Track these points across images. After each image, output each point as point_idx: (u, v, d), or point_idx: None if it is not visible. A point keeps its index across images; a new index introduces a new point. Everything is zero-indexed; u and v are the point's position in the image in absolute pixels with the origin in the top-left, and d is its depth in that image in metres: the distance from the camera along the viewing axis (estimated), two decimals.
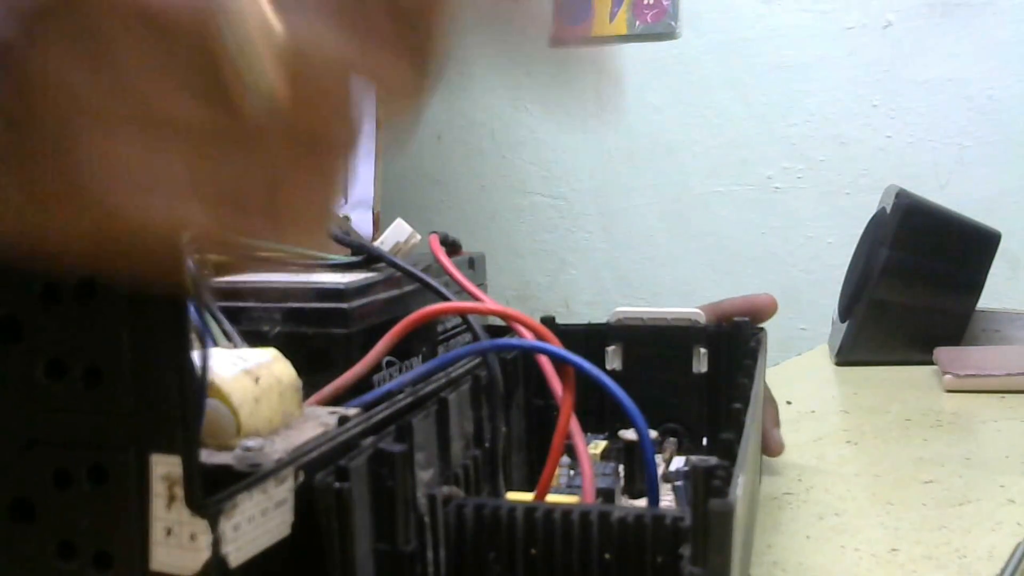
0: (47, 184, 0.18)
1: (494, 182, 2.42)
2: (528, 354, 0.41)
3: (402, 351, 0.37)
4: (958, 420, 0.74)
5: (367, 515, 0.26)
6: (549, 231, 2.38)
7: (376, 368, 0.34)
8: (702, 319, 0.50)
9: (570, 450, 0.35)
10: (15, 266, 0.19)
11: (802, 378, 0.94)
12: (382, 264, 0.40)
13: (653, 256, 2.26)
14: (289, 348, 0.29)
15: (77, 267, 0.20)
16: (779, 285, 2.09)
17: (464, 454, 0.34)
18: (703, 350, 0.50)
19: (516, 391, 0.42)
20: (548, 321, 0.46)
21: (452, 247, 0.46)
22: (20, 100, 0.18)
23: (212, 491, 0.21)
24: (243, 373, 0.26)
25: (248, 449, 0.24)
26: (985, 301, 1.00)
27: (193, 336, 0.22)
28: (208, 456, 0.24)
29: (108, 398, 0.21)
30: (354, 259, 0.41)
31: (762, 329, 0.51)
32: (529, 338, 0.34)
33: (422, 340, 0.41)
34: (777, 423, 0.59)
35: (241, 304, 0.35)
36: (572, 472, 0.44)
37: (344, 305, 0.35)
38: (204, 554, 0.20)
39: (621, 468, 0.44)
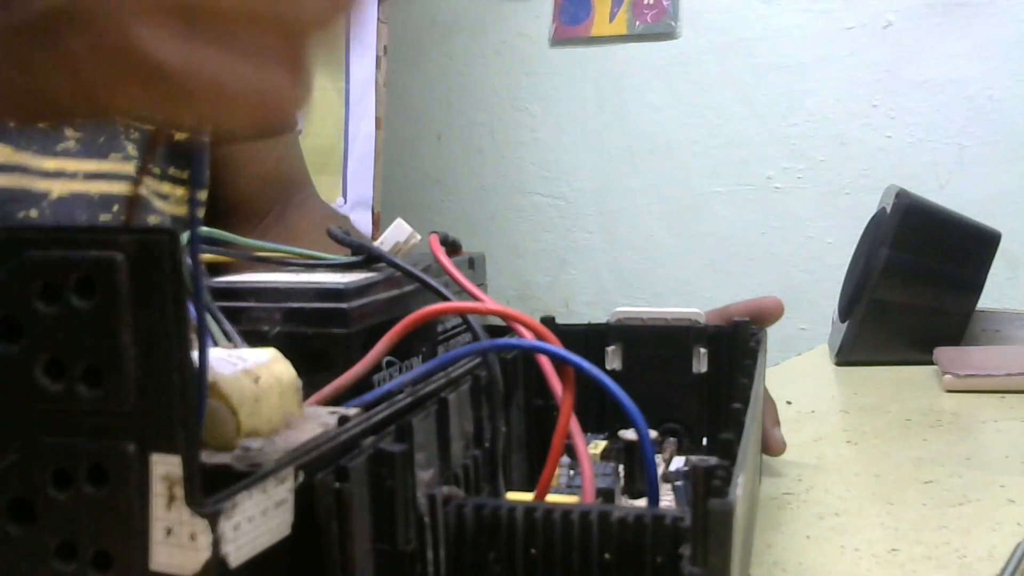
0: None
1: (494, 182, 2.42)
2: (528, 354, 0.41)
3: (402, 351, 0.37)
4: (958, 420, 0.74)
5: (367, 515, 0.26)
6: (549, 231, 2.38)
7: (376, 368, 0.34)
8: (702, 319, 0.50)
9: (570, 450, 0.35)
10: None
11: (802, 378, 0.94)
12: (382, 264, 0.40)
13: (653, 256, 2.26)
14: (289, 348, 0.29)
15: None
16: (779, 285, 2.09)
17: (464, 454, 0.34)
18: (703, 350, 0.50)
19: (516, 391, 0.42)
20: (548, 321, 0.46)
21: (452, 247, 0.45)
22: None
23: (212, 491, 0.21)
24: (243, 373, 0.26)
25: (248, 449, 0.24)
26: (985, 301, 1.00)
27: (193, 336, 0.22)
28: (208, 456, 0.24)
29: (108, 398, 0.21)
30: (354, 259, 0.41)
31: (762, 329, 0.51)
32: (529, 338, 0.34)
33: (422, 340, 0.41)
34: (777, 422, 0.60)
35: (241, 304, 0.35)
36: (572, 472, 0.44)
37: (344, 305, 0.35)
38: (204, 554, 0.20)
39: (621, 468, 0.44)
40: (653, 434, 0.47)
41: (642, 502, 0.42)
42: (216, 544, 0.20)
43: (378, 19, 1.90)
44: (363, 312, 0.36)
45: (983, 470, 0.60)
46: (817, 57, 2.06)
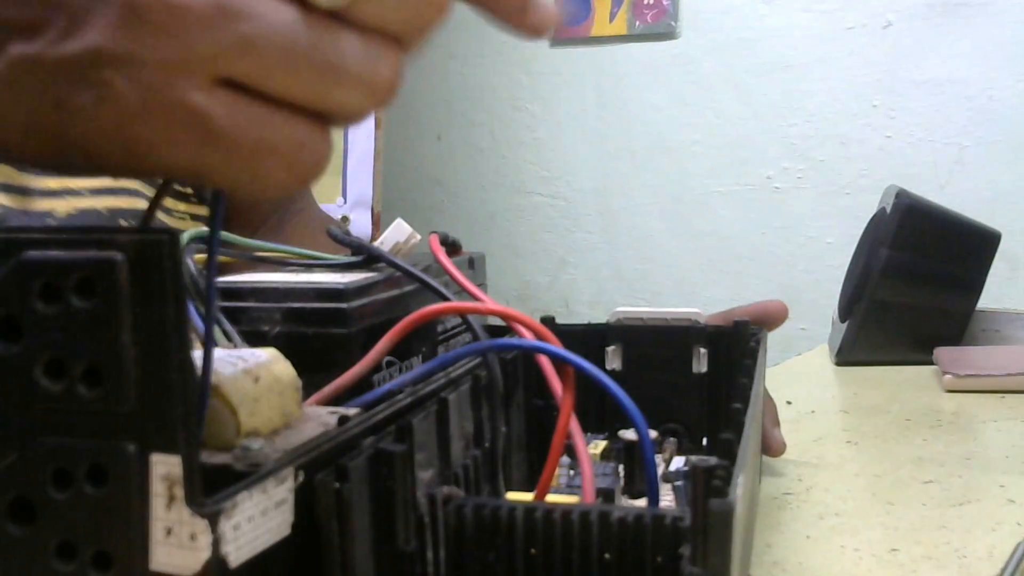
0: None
1: (494, 182, 2.42)
2: (528, 354, 0.41)
3: (402, 351, 0.37)
4: (958, 420, 0.74)
5: (367, 515, 0.26)
6: (549, 231, 2.38)
7: (376, 368, 0.34)
8: (702, 319, 0.50)
9: (570, 450, 0.35)
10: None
11: (802, 378, 0.94)
12: (382, 264, 0.40)
13: (653, 256, 2.26)
14: (289, 348, 0.29)
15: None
16: (779, 285, 2.09)
17: (464, 454, 0.34)
18: (703, 350, 0.50)
19: (516, 391, 0.42)
20: (548, 321, 0.46)
21: (452, 247, 0.45)
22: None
23: (212, 491, 0.21)
24: (243, 373, 0.26)
25: (248, 449, 0.24)
26: (985, 301, 1.00)
27: (193, 336, 0.22)
28: (208, 456, 0.24)
29: (108, 398, 0.21)
30: (354, 259, 0.41)
31: (762, 329, 0.51)
32: (529, 338, 0.34)
33: (422, 340, 0.41)
34: (777, 423, 0.60)
35: (241, 304, 0.35)
36: (572, 472, 0.44)
37: (344, 305, 0.35)
38: (204, 554, 0.20)
39: (621, 468, 0.44)
40: (653, 434, 0.47)
41: (642, 502, 0.42)
42: (216, 544, 0.20)
43: None
44: (363, 312, 0.36)
45: (983, 470, 0.60)
46: (817, 57, 2.06)
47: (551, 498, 0.33)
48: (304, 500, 0.24)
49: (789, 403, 0.78)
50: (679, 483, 0.44)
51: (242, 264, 0.42)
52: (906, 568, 0.45)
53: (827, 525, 0.51)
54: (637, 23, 2.21)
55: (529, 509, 0.28)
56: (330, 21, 0.24)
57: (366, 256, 0.40)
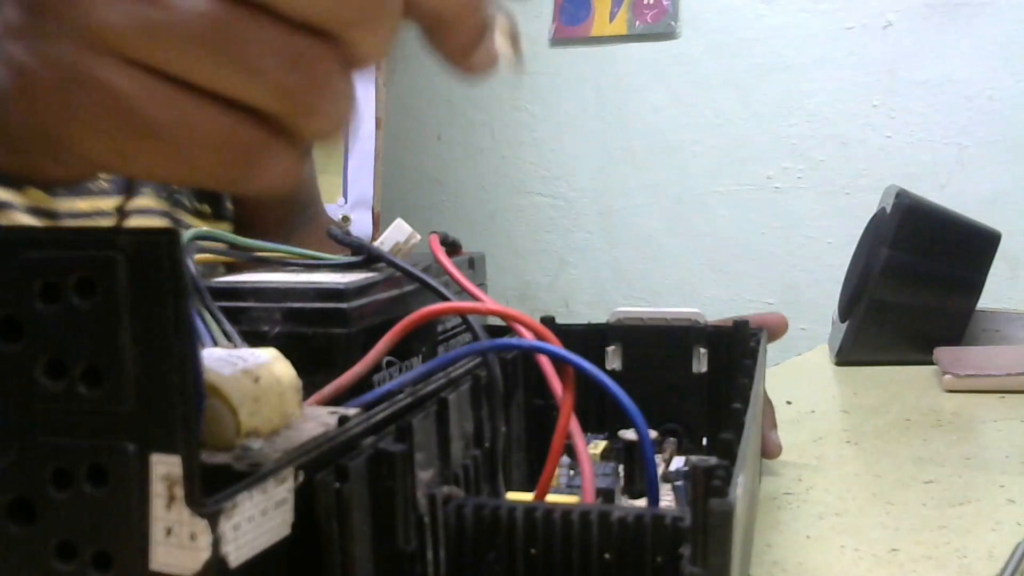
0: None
1: (494, 182, 2.42)
2: (528, 354, 0.41)
3: (402, 351, 0.37)
4: (958, 420, 0.74)
5: (367, 515, 0.26)
6: (549, 231, 2.38)
7: (376, 368, 0.34)
8: (702, 319, 0.50)
9: (570, 450, 0.35)
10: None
11: (802, 378, 0.94)
12: (382, 264, 0.40)
13: (653, 256, 2.26)
14: (289, 348, 0.29)
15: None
16: (779, 285, 2.09)
17: (464, 454, 0.34)
18: (703, 350, 0.50)
19: (516, 391, 0.42)
20: (548, 321, 0.46)
21: (452, 247, 0.45)
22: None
23: (212, 491, 0.21)
24: (243, 373, 0.26)
25: (248, 449, 0.24)
26: (985, 301, 1.00)
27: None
28: (208, 456, 0.24)
29: (108, 398, 0.21)
30: (354, 259, 0.41)
31: (762, 329, 0.51)
32: (529, 338, 0.34)
33: (422, 340, 0.41)
34: (774, 425, 0.60)
35: (241, 304, 0.35)
36: (572, 472, 0.44)
37: (344, 305, 0.35)
38: (204, 554, 0.20)
39: (621, 468, 0.44)
40: (653, 434, 0.47)
41: (642, 502, 0.42)
42: (216, 544, 0.20)
43: None
44: (363, 312, 0.36)
45: (983, 470, 0.60)
46: (817, 57, 2.06)
47: (551, 498, 0.33)
48: (304, 500, 0.24)
49: (789, 403, 0.78)
50: (679, 483, 0.44)
51: (242, 264, 0.42)
52: (906, 568, 0.45)
53: (827, 525, 0.51)
54: (637, 23, 2.21)
55: (529, 509, 0.28)
56: (251, 10, 0.23)
57: (366, 256, 0.40)
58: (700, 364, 0.50)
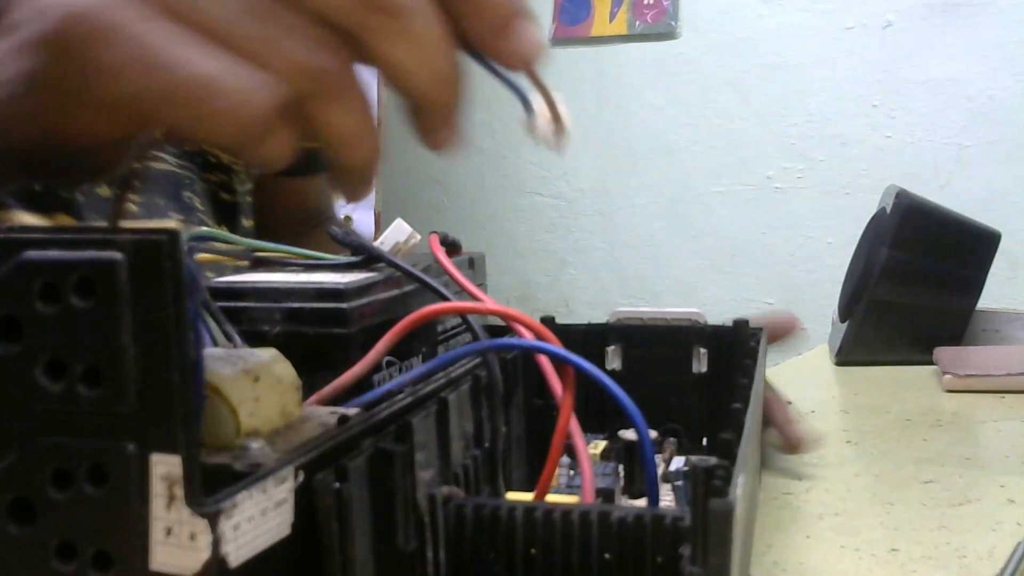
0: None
1: (494, 182, 2.42)
2: (528, 354, 0.41)
3: (402, 351, 0.37)
4: (958, 420, 0.74)
5: (367, 515, 0.26)
6: (549, 231, 2.38)
7: (376, 368, 0.34)
8: (702, 319, 0.50)
9: (570, 450, 0.35)
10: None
11: (802, 378, 0.94)
12: (382, 264, 0.40)
13: (653, 256, 2.26)
14: (289, 348, 0.29)
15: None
16: (779, 285, 2.09)
17: (464, 454, 0.34)
18: (703, 350, 0.50)
19: (516, 391, 0.42)
20: (548, 321, 0.46)
21: (452, 247, 0.45)
22: None
23: (212, 491, 0.21)
24: (243, 373, 0.26)
25: (248, 449, 0.24)
26: (985, 301, 1.00)
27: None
28: (208, 456, 0.24)
29: (108, 398, 0.21)
30: (354, 259, 0.41)
31: (761, 329, 0.51)
32: (529, 338, 0.34)
33: (422, 340, 0.41)
34: (793, 419, 0.59)
35: (241, 304, 0.35)
36: (572, 472, 0.44)
37: (344, 305, 0.35)
38: (204, 554, 0.20)
39: (621, 468, 0.44)
40: (653, 434, 0.47)
41: (642, 502, 0.42)
42: (216, 544, 0.20)
43: None
44: (363, 312, 0.36)
45: (983, 470, 0.60)
46: (817, 57, 2.06)
47: (551, 498, 0.33)
48: (304, 500, 0.24)
49: (789, 403, 0.78)
50: (679, 483, 0.44)
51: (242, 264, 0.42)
52: (906, 568, 0.45)
53: (827, 525, 0.51)
54: (637, 23, 2.21)
55: (529, 509, 0.28)
56: None
57: (366, 256, 0.40)
58: (700, 364, 0.50)
